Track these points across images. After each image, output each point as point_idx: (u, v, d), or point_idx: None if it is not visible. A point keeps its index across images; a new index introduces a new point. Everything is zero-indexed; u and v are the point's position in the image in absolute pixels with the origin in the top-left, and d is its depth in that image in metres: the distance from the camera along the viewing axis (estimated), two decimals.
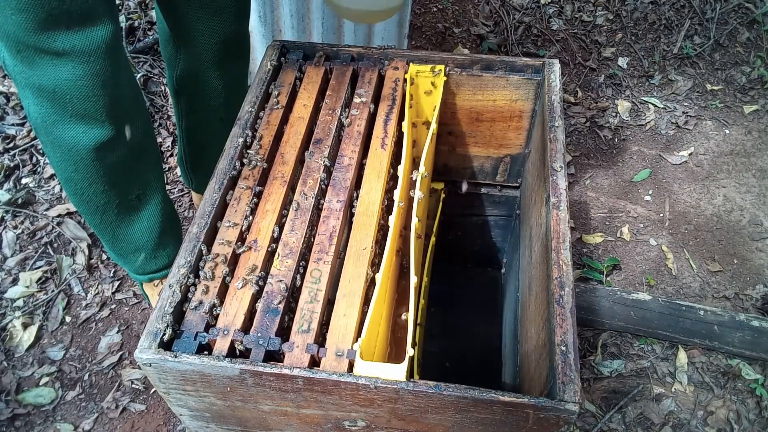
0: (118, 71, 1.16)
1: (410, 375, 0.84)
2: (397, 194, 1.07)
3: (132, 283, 1.83)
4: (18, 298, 1.77)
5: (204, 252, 0.97)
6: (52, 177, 2.06)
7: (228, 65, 1.48)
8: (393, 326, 1.23)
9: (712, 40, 2.60)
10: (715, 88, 2.53)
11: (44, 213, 1.96)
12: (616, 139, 2.35)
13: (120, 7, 2.55)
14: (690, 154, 2.31)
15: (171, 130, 2.22)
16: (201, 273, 0.95)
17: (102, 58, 1.11)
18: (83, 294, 1.79)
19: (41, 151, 2.11)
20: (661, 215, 2.11)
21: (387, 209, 1.13)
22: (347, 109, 1.21)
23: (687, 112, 2.44)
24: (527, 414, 0.83)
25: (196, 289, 0.93)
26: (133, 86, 1.27)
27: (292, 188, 1.09)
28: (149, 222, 1.42)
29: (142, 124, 1.32)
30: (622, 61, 2.59)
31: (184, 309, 0.92)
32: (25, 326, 1.72)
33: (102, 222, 1.39)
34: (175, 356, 0.85)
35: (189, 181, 1.84)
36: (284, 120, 1.18)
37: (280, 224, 1.02)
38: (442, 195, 1.57)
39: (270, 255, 0.98)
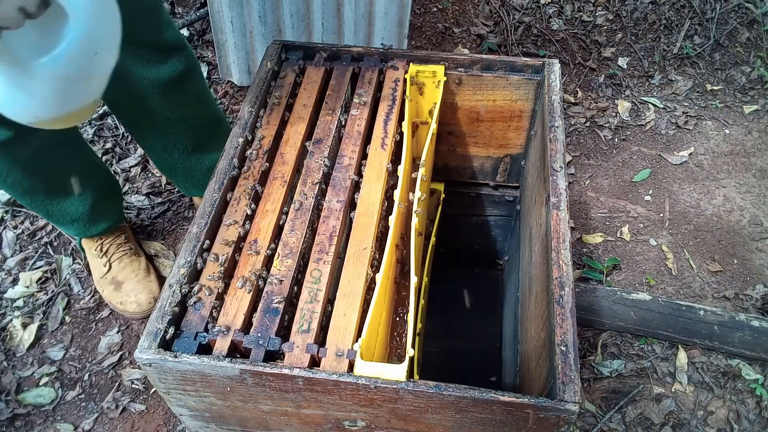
0: None
1: (410, 375, 0.84)
2: (397, 194, 1.07)
3: None
4: (18, 298, 1.77)
5: (204, 252, 0.98)
6: None
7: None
8: (393, 326, 1.23)
9: (712, 40, 2.60)
10: (715, 88, 2.53)
11: None
12: (616, 139, 2.35)
13: None
14: (690, 154, 2.31)
15: None
16: (201, 273, 0.95)
17: None
18: (83, 294, 1.79)
19: None
20: (661, 215, 2.11)
21: (387, 209, 1.13)
22: (347, 108, 1.21)
23: (687, 112, 2.44)
24: (527, 414, 0.83)
25: (196, 289, 0.94)
26: None
27: (292, 188, 1.09)
28: (83, 198, 1.45)
29: None
30: (622, 61, 2.59)
31: (185, 309, 0.92)
32: (25, 326, 1.72)
33: (32, 202, 1.41)
34: (175, 356, 0.85)
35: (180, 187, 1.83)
36: (284, 120, 1.18)
37: (280, 224, 1.02)
38: (442, 195, 1.57)
39: (270, 255, 0.99)
